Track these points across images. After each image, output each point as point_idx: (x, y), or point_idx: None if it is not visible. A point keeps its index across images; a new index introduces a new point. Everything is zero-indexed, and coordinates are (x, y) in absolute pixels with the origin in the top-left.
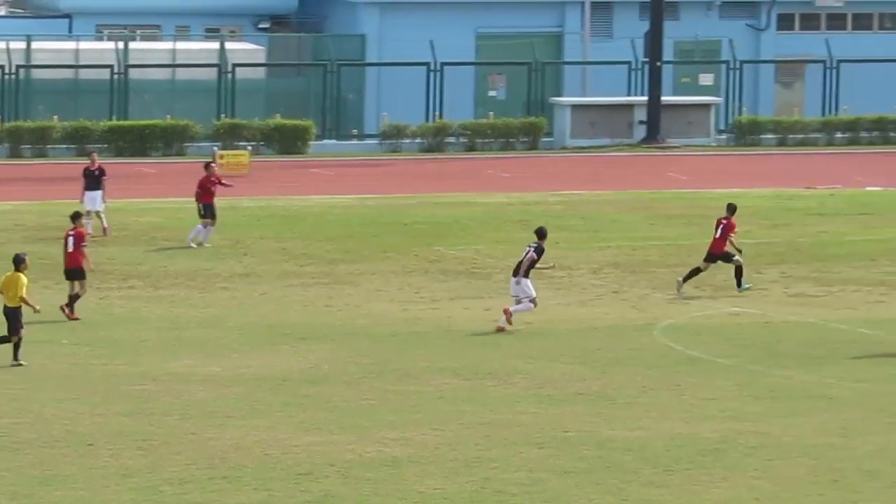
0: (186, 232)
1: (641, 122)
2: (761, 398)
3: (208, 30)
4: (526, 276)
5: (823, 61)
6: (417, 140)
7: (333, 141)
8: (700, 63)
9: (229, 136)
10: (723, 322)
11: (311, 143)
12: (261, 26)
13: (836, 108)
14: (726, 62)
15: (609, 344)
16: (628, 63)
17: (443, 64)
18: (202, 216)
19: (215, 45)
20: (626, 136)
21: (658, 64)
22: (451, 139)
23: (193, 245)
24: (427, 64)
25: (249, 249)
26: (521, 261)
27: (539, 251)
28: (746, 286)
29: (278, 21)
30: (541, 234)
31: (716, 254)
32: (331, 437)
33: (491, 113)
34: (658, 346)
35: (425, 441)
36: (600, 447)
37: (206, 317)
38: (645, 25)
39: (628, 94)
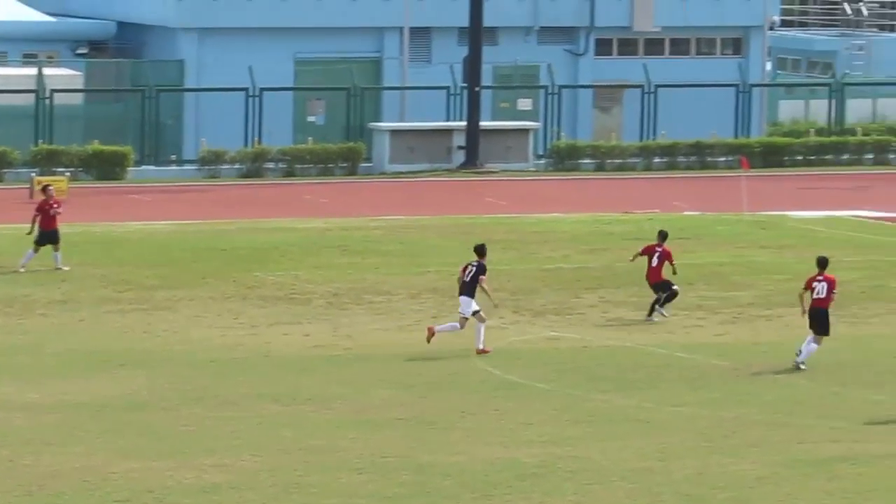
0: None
1: (460, 147)
2: (580, 422)
3: (26, 55)
4: (472, 294)
5: (641, 86)
6: (236, 166)
7: (152, 167)
8: (519, 88)
9: (47, 163)
10: (541, 346)
11: (130, 169)
12: (79, 52)
13: (654, 133)
14: (545, 87)
15: (428, 369)
16: (447, 88)
17: (262, 89)
18: (38, 242)
19: (33, 70)
20: (446, 161)
21: (477, 89)
22: (270, 165)
23: (22, 270)
24: (246, 89)
25: (68, 276)
26: (466, 280)
27: (481, 269)
28: (665, 315)
29: (96, 47)
30: (480, 251)
31: (656, 282)
32: (150, 464)
33: (310, 138)
34: (477, 371)
35: (244, 467)
36: (419, 472)
37: (24, 343)
38: (464, 51)
39: (447, 120)
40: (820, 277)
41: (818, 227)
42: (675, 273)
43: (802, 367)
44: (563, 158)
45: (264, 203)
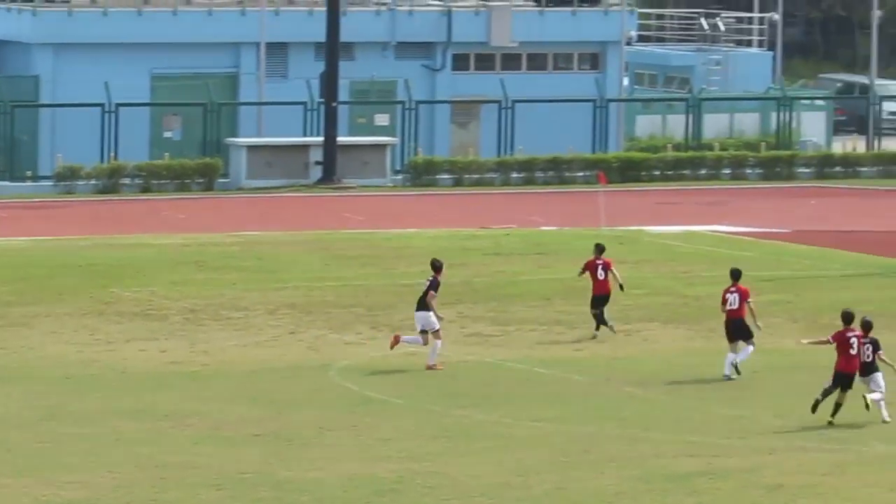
0: None
1: (318, 163)
2: (438, 438)
3: None
4: (429, 308)
5: (498, 101)
6: (92, 181)
7: (7, 182)
8: (376, 103)
9: None
10: (400, 362)
11: None
12: None
13: (512, 148)
14: (402, 102)
15: (286, 385)
16: (304, 103)
17: (118, 105)
18: None
19: None
20: (303, 177)
21: (334, 104)
22: (127, 180)
23: None
24: (102, 105)
25: None
26: (423, 296)
27: (433, 284)
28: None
29: None
30: (436, 267)
31: (603, 294)
32: (5, 481)
33: (166, 154)
34: (335, 387)
35: (101, 483)
36: (277, 488)
37: None
38: (320, 66)
39: (304, 135)
40: (733, 289)
41: (676, 242)
42: (621, 287)
43: (735, 376)
44: (421, 174)
45: (121, 219)
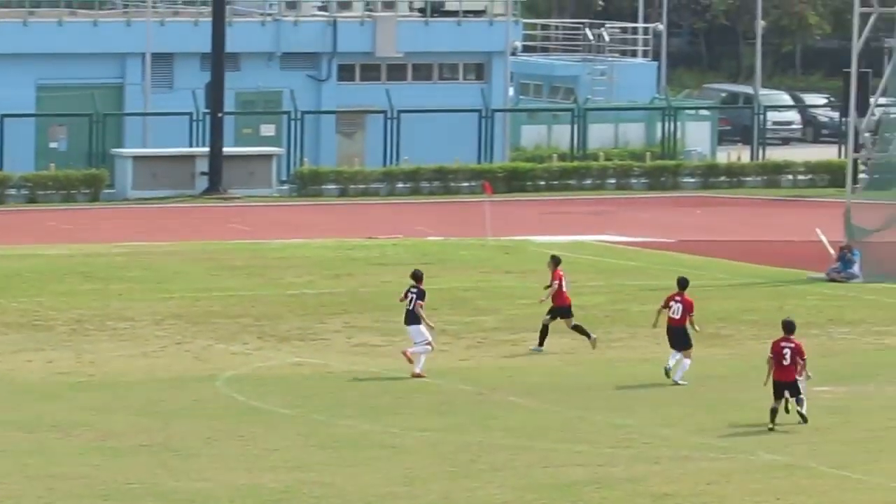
0: None
1: (203, 174)
2: (325, 448)
3: None
4: (418, 322)
5: (384, 112)
6: None
7: None
8: (262, 114)
9: None
10: (286, 372)
11: None
12: None
13: (397, 159)
14: (288, 113)
15: (172, 395)
16: (190, 114)
17: (3, 116)
18: None
19: None
20: (189, 187)
21: (219, 115)
22: (13, 191)
23: None
24: None
25: None
26: (409, 308)
27: (420, 295)
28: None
29: None
30: (416, 276)
31: (562, 306)
32: None
33: (52, 164)
34: (221, 397)
35: None
36: (163, 499)
37: None
38: (206, 76)
39: (190, 145)
40: (678, 298)
41: (561, 252)
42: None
43: (682, 382)
44: (307, 184)
45: (6, 229)
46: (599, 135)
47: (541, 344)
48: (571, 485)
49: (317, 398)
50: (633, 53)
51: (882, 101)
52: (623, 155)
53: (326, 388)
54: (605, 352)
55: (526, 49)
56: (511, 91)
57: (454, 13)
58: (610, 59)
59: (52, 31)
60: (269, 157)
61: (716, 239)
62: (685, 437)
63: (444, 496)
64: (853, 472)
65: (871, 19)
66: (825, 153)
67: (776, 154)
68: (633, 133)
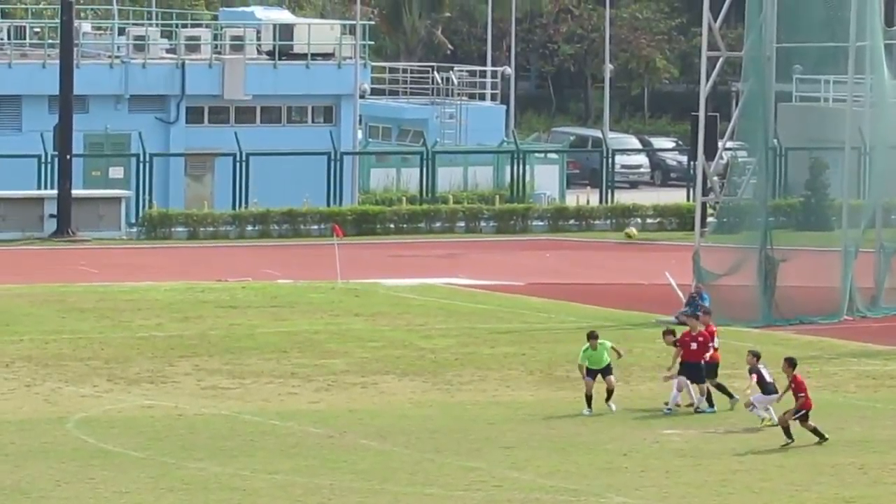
0: None
1: (52, 216)
2: (175, 490)
3: None
4: None
5: (233, 154)
6: None
7: None
8: (110, 156)
9: None
10: (136, 415)
11: None
12: None
13: (247, 201)
14: (136, 155)
15: (22, 438)
16: (38, 156)
17: None
18: None
19: None
20: (37, 230)
21: (67, 157)
22: None
23: None
24: None
25: None
26: None
27: None
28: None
29: None
30: None
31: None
32: None
33: None
34: (72, 440)
35: None
36: None
37: None
38: (54, 118)
39: (39, 188)
40: (694, 334)
41: (411, 295)
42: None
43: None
44: (156, 227)
45: None
46: (449, 178)
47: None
48: None
49: (167, 441)
50: (482, 97)
51: (730, 144)
52: (472, 198)
53: (176, 430)
54: (454, 394)
55: (375, 92)
56: (360, 134)
57: (303, 56)
58: (459, 102)
59: None
60: (117, 199)
61: (565, 282)
62: (536, 479)
63: None
64: None
65: (719, 63)
66: (673, 196)
67: (625, 197)
68: (483, 176)
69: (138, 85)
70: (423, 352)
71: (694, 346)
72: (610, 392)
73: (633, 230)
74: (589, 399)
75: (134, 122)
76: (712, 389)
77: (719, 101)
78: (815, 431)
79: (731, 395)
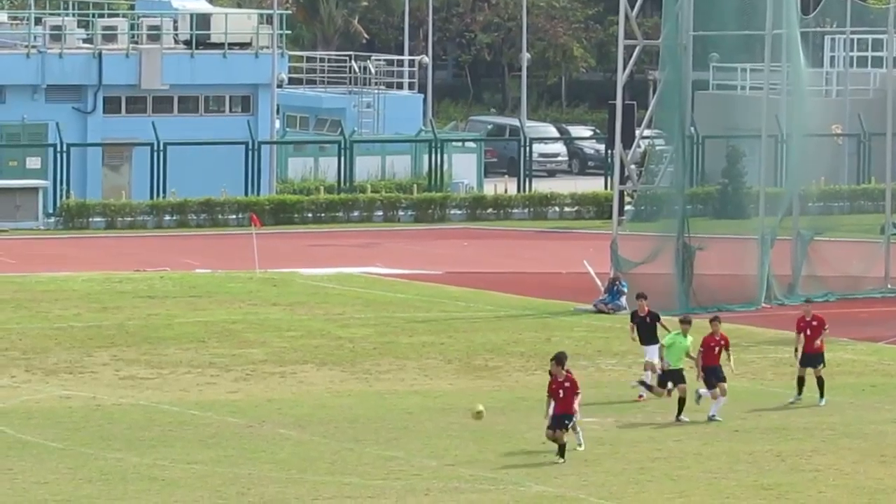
0: None
1: None
2: (94, 481)
3: None
4: None
5: (150, 144)
6: None
7: None
8: (27, 146)
9: None
10: (54, 405)
11: None
12: None
13: (165, 191)
14: (53, 145)
15: None
16: None
17: None
18: None
19: None
20: None
21: None
22: None
23: None
24: None
25: None
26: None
27: None
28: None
29: None
30: None
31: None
32: None
33: None
34: None
35: None
36: None
37: None
38: None
39: None
40: (717, 337)
41: (329, 284)
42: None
43: (719, 418)
44: (74, 217)
45: None
46: (366, 167)
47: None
48: None
49: (85, 431)
50: (400, 86)
51: (647, 132)
52: (390, 187)
53: (95, 421)
54: (373, 384)
55: (292, 81)
56: (277, 123)
57: (220, 45)
58: (376, 91)
59: None
60: (34, 189)
61: (483, 271)
62: (455, 468)
63: None
64: (622, 502)
65: (636, 52)
66: (591, 185)
67: (542, 186)
68: (400, 165)
69: (55, 75)
70: (342, 341)
71: (717, 350)
72: (681, 404)
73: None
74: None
75: (51, 112)
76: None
77: (636, 90)
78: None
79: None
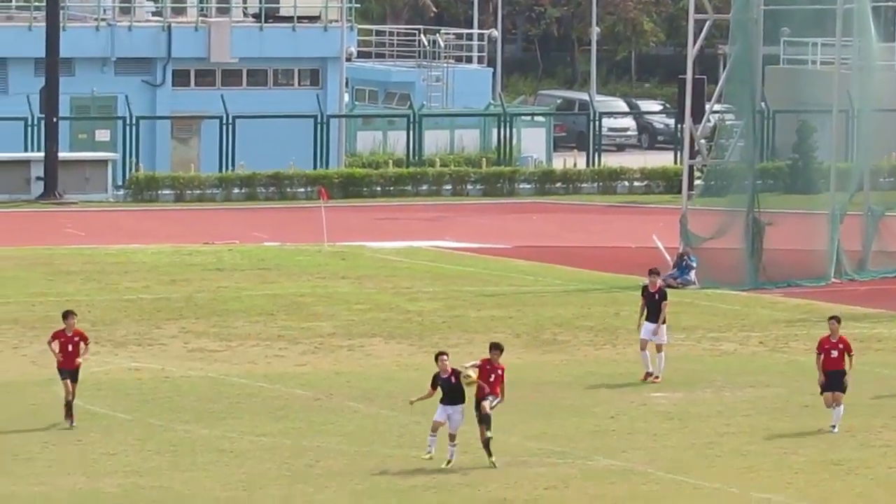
0: None
1: (39, 178)
2: (163, 452)
3: None
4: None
5: (219, 117)
6: None
7: None
8: (97, 119)
9: None
10: (122, 377)
11: None
12: None
13: (233, 164)
14: (123, 118)
15: (9, 400)
16: (24, 119)
17: None
18: None
19: None
20: (24, 192)
21: (54, 120)
22: None
23: None
24: None
25: None
26: None
27: None
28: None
29: None
30: None
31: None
32: None
33: None
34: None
35: None
36: (1, 502)
37: None
38: (40, 81)
39: (25, 150)
40: (835, 340)
41: (398, 258)
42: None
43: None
44: (143, 189)
45: None
46: (435, 140)
47: None
48: (409, 490)
49: (153, 403)
50: (469, 60)
51: (717, 107)
52: (459, 161)
53: (163, 392)
54: None
55: (361, 55)
56: (346, 97)
57: (289, 19)
58: (445, 65)
59: None
60: (104, 162)
61: (551, 245)
62: (522, 442)
63: (283, 501)
64: (689, 477)
65: (706, 26)
66: (660, 160)
67: (611, 160)
68: (469, 139)
69: (124, 48)
70: (410, 315)
71: (834, 353)
72: None
73: (469, 372)
74: None
75: (120, 85)
76: None
77: (706, 65)
78: None
79: None
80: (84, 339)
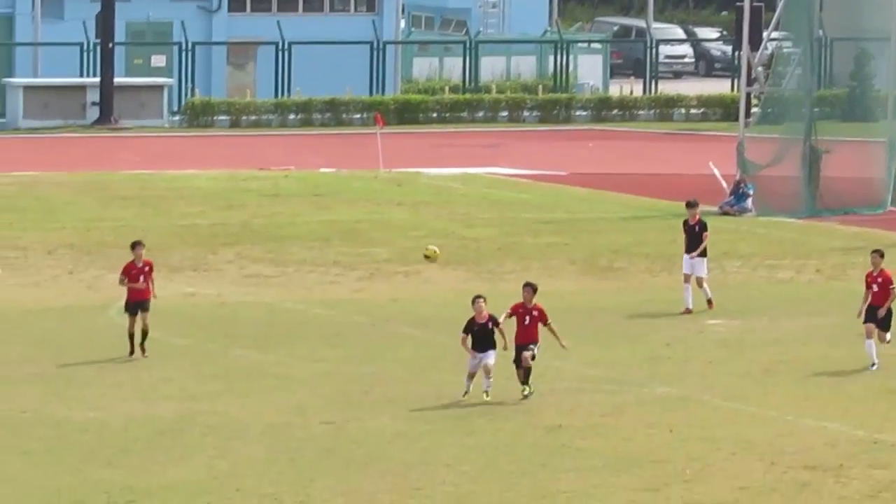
0: None
1: (94, 104)
2: (218, 378)
3: None
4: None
5: (275, 43)
6: None
7: None
8: (152, 45)
9: None
10: (178, 302)
11: None
12: None
13: (289, 90)
14: (178, 44)
15: (65, 325)
16: (80, 44)
17: None
18: None
19: None
20: (80, 118)
21: (110, 45)
22: None
23: None
24: None
25: None
26: None
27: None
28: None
29: None
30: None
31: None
32: None
33: None
34: (115, 327)
35: None
36: (57, 427)
37: None
38: (96, 7)
39: (81, 76)
40: (876, 274)
41: (453, 185)
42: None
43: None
44: (198, 115)
45: None
46: (491, 67)
47: None
48: (464, 416)
49: (210, 328)
50: None
51: (775, 34)
52: (515, 88)
53: (219, 318)
54: (497, 284)
55: None
56: (402, 23)
57: None
58: None
59: None
60: (159, 87)
61: (608, 172)
62: (578, 369)
63: (337, 427)
64: (746, 404)
65: None
66: (718, 87)
67: (668, 88)
68: (525, 66)
69: None
70: (466, 241)
71: (875, 287)
72: None
73: (432, 250)
74: None
75: (176, 11)
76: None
77: None
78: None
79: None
80: (152, 268)
